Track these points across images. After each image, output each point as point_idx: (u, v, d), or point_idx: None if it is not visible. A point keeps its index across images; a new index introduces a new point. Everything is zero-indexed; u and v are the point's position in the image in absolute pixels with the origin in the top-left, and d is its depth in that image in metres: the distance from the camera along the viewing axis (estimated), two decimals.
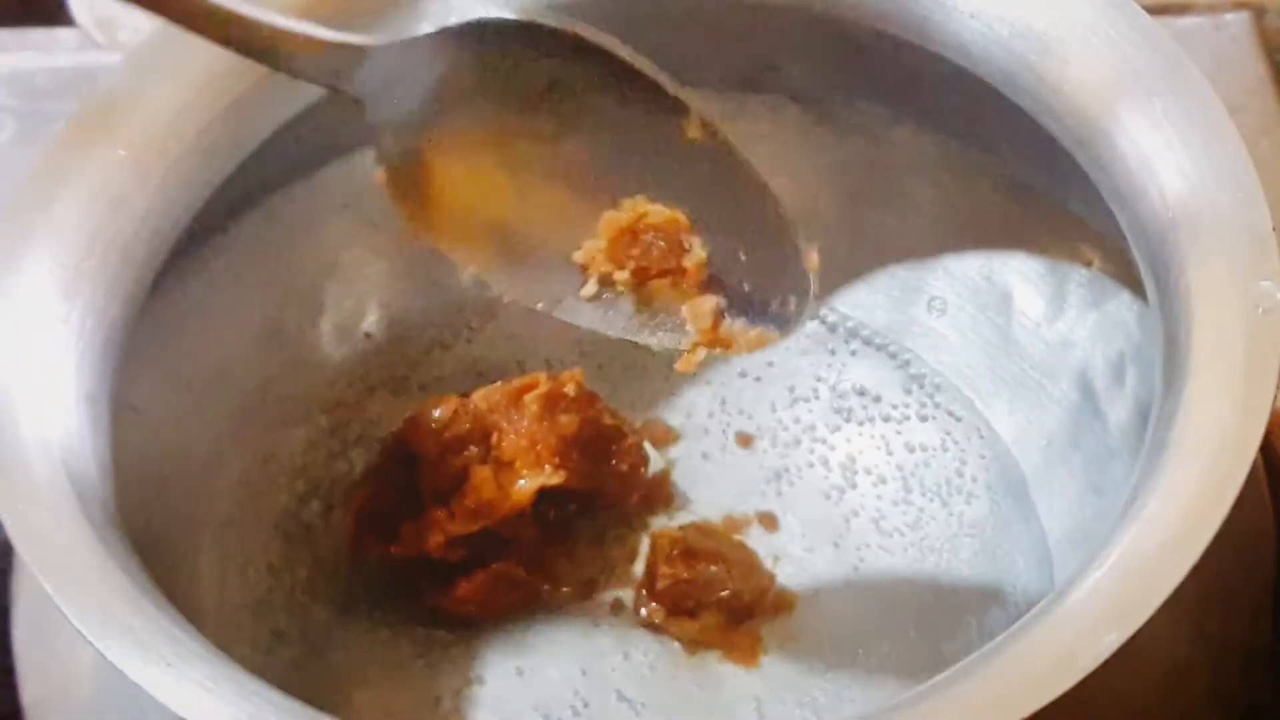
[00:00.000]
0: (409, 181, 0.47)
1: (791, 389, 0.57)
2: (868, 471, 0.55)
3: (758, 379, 0.58)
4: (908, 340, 0.57)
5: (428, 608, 0.52)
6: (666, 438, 0.57)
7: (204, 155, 0.47)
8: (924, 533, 0.54)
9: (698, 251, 0.48)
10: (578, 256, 0.48)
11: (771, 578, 0.53)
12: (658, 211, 0.48)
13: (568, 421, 0.52)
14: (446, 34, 0.46)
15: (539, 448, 0.51)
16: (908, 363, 0.57)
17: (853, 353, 0.58)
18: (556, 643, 0.52)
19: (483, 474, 0.51)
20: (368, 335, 0.58)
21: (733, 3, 0.52)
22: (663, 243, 0.48)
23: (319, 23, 0.44)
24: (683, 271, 0.48)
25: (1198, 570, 0.37)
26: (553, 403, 0.52)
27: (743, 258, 0.48)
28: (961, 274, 0.56)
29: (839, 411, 0.57)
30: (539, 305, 0.48)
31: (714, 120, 0.48)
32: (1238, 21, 0.70)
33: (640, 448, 0.54)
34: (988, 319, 0.56)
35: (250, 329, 0.55)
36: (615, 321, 0.49)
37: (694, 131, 0.47)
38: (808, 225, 0.51)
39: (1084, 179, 0.46)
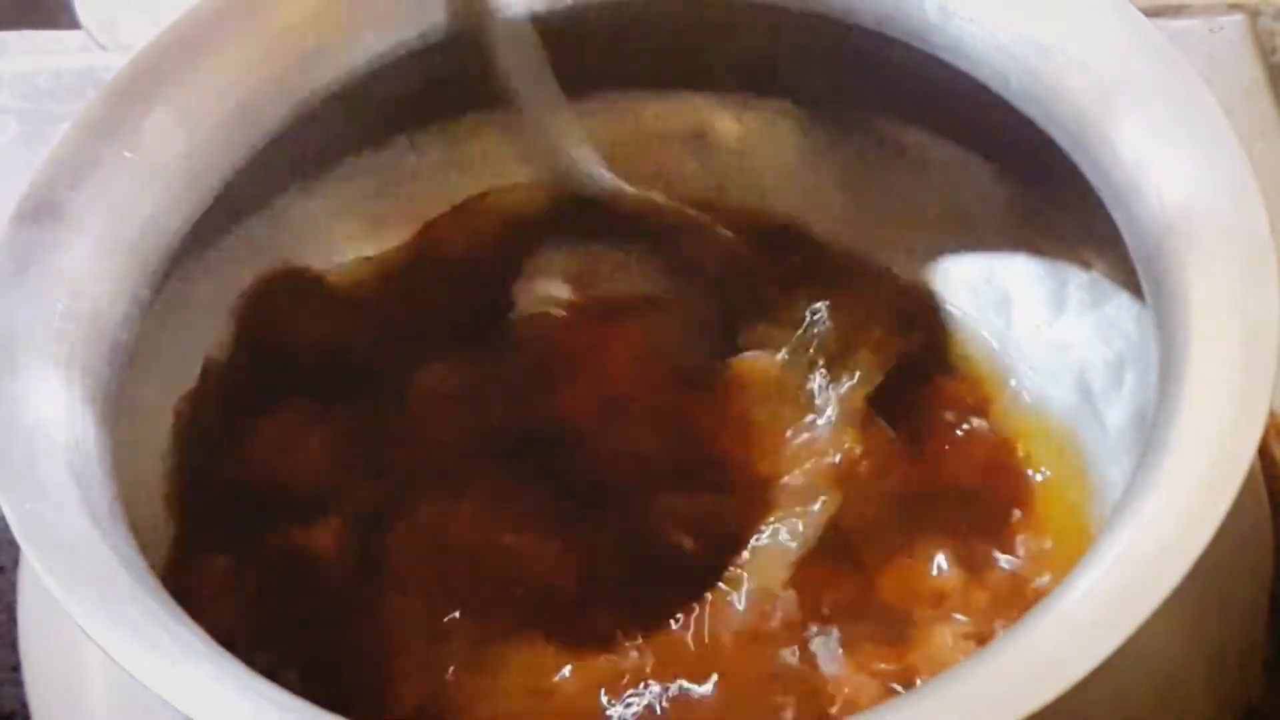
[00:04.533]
0: None
1: None
2: None
3: None
4: None
5: None
6: None
7: (209, 157, 0.47)
8: None
9: None
10: None
11: None
12: None
13: None
14: None
15: None
16: None
17: None
18: None
19: None
20: None
21: (735, 5, 0.53)
22: None
23: None
24: None
25: (1195, 571, 0.37)
26: None
27: None
28: (961, 275, 0.57)
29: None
30: None
31: None
32: (1233, 24, 0.70)
33: None
34: (988, 320, 0.56)
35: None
36: None
37: None
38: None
39: (1082, 182, 0.46)
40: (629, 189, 0.57)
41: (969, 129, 0.54)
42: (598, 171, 0.56)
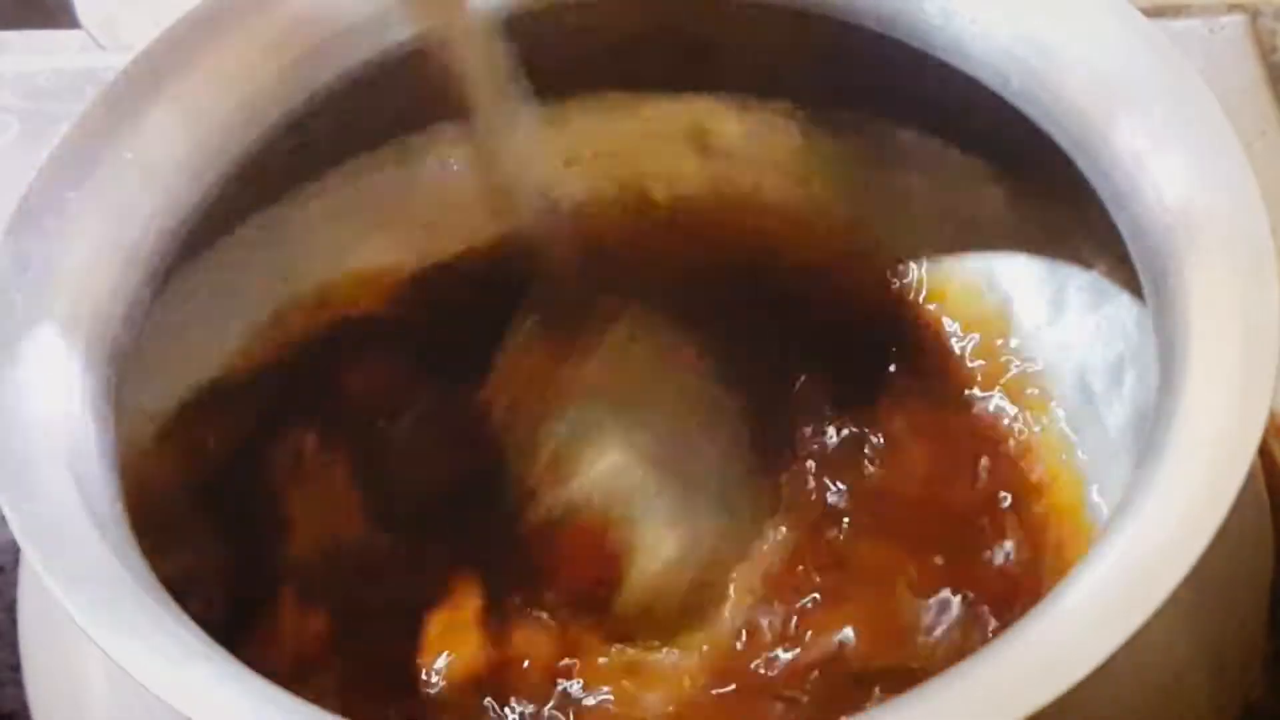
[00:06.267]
0: None
1: None
2: None
3: None
4: None
5: None
6: None
7: (211, 157, 0.47)
8: None
9: None
10: None
11: None
12: None
13: None
14: None
15: None
16: None
17: None
18: None
19: None
20: None
21: (735, 7, 0.53)
22: None
23: None
24: None
25: (1195, 571, 0.37)
26: None
27: None
28: (961, 276, 0.57)
29: None
30: None
31: None
32: (1233, 24, 0.70)
33: None
34: (988, 321, 0.56)
35: (256, 331, 0.55)
36: None
37: None
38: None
39: (1083, 182, 0.46)
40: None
41: (969, 129, 0.54)
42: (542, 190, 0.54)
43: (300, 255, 0.56)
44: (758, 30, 0.53)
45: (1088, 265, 0.53)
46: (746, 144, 0.59)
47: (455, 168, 0.58)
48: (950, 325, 0.56)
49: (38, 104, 0.68)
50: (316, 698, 0.38)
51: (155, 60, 0.48)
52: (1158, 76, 0.45)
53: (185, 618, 0.39)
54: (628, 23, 0.54)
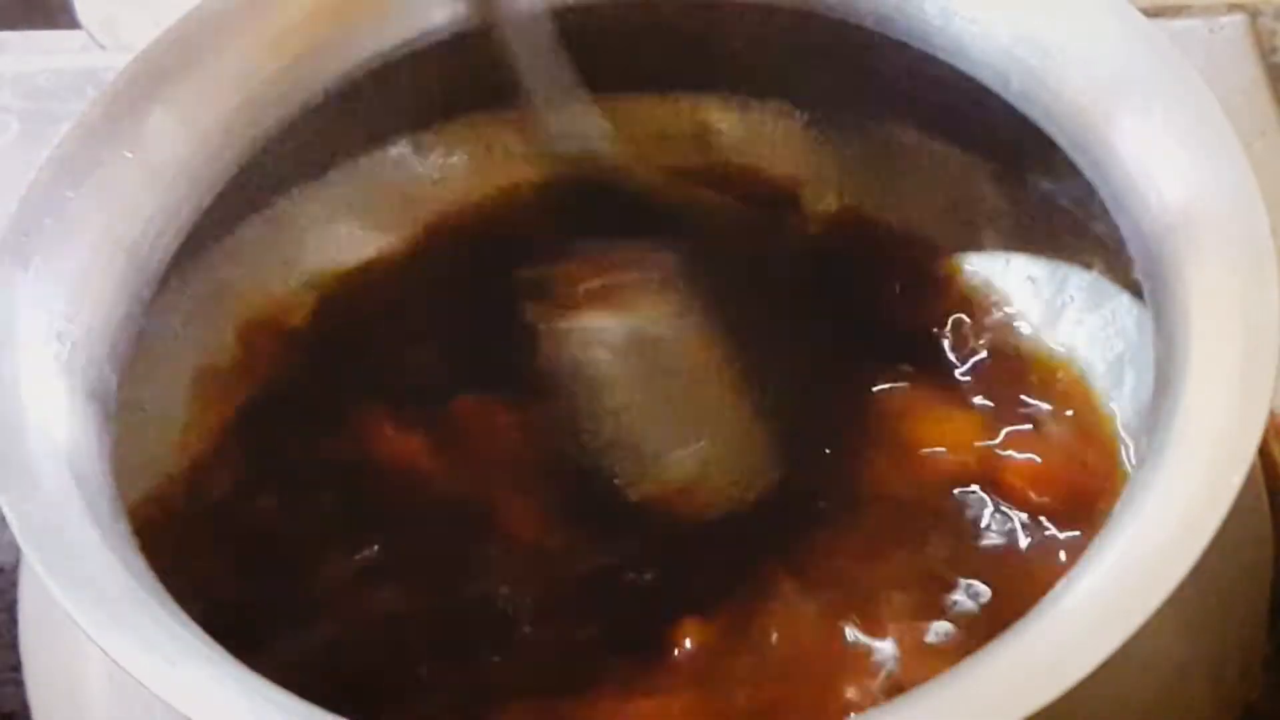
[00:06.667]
0: None
1: None
2: None
3: None
4: None
5: None
6: None
7: (211, 157, 0.47)
8: None
9: None
10: None
11: None
12: None
13: None
14: None
15: None
16: None
17: None
18: None
19: None
20: None
21: (737, 8, 0.53)
22: None
23: None
24: None
25: (1195, 572, 0.37)
26: None
27: None
28: (961, 276, 0.57)
29: None
30: None
31: None
32: (1233, 24, 0.70)
33: None
34: (987, 322, 0.56)
35: (256, 330, 0.55)
36: None
37: None
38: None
39: (1083, 183, 0.46)
40: (641, 171, 0.56)
41: (969, 129, 0.54)
42: (610, 155, 0.55)
43: (301, 255, 0.56)
44: (758, 30, 0.53)
45: (1088, 265, 0.53)
46: (747, 144, 0.59)
47: (460, 166, 0.58)
48: (949, 326, 0.56)
49: (38, 104, 0.68)
50: None
51: (155, 60, 0.48)
52: (1158, 76, 0.45)
53: (185, 617, 0.39)
54: (628, 23, 0.54)
